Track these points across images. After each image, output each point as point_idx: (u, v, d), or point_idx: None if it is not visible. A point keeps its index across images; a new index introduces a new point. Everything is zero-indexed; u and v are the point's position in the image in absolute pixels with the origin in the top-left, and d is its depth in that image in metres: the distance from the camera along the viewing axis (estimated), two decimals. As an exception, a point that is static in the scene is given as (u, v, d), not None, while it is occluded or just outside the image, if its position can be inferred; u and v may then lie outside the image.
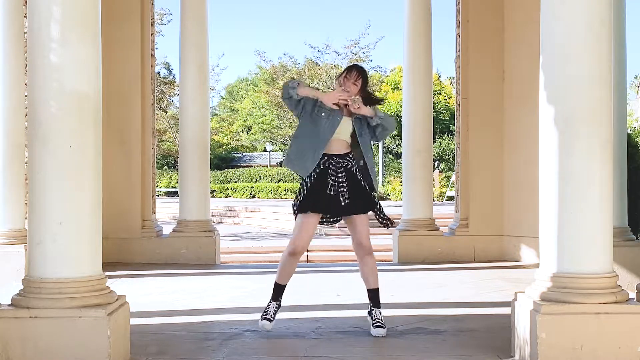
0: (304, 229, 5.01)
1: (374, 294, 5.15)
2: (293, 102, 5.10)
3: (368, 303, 5.21)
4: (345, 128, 5.12)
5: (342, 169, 5.06)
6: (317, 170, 5.03)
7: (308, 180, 5.04)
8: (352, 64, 5.26)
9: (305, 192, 5.02)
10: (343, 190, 5.01)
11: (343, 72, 5.24)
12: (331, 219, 5.18)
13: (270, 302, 5.16)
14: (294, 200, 5.12)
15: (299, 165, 5.09)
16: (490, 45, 9.48)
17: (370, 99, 5.24)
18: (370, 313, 5.18)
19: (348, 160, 5.10)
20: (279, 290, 5.16)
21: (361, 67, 5.27)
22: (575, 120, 4.19)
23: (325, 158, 5.07)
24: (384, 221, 5.18)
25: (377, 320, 5.11)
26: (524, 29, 8.96)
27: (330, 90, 5.25)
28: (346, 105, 5.11)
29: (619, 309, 4.15)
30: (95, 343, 4.08)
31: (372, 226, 5.31)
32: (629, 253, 7.93)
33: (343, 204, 5.00)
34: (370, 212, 5.14)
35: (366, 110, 5.09)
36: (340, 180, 5.02)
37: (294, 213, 5.08)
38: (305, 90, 5.11)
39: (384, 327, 5.08)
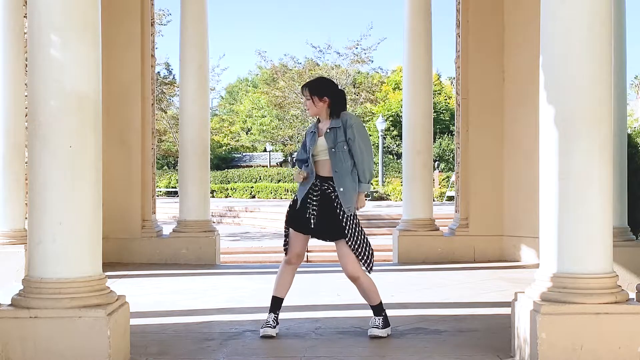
0: (293, 241, 5.17)
1: (373, 308, 5.18)
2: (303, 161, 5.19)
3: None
4: (323, 146, 5.09)
5: (319, 192, 5.06)
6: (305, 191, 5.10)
7: (296, 197, 5.18)
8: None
9: (289, 208, 5.20)
10: (314, 214, 5.05)
11: None
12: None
13: (269, 314, 5.16)
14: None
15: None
16: (490, 45, 9.48)
17: (340, 104, 5.14)
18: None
19: (329, 184, 5.05)
20: (276, 304, 5.17)
21: (305, 84, 5.19)
22: (575, 120, 4.19)
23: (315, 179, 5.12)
24: (362, 261, 5.05)
25: (373, 322, 5.16)
26: (524, 29, 8.96)
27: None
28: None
29: (619, 309, 4.15)
30: (95, 343, 4.08)
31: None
32: (629, 253, 7.93)
33: (312, 226, 5.06)
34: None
35: (363, 202, 5.14)
36: (315, 203, 5.05)
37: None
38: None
39: (378, 328, 5.09)
